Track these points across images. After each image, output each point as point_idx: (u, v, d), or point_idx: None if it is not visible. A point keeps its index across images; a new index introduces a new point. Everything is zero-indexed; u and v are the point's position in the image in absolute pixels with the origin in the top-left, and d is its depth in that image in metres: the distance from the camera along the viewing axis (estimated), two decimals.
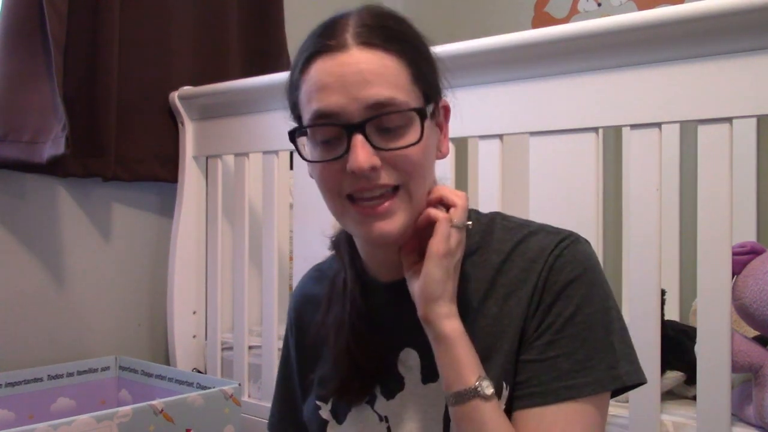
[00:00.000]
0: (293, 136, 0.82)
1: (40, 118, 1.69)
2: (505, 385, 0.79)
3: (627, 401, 1.21)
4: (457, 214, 0.81)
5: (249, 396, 1.84)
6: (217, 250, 1.95)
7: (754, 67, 1.09)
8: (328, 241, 0.96)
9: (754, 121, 1.78)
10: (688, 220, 1.90)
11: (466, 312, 0.82)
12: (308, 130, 0.80)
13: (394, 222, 0.79)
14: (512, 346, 0.80)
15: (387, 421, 0.87)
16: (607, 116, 1.25)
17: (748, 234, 1.75)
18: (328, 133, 0.79)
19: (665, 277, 1.55)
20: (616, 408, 1.25)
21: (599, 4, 2.28)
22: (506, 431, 0.76)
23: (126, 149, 1.92)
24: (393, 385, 0.87)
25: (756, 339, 1.24)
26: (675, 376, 1.30)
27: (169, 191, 2.05)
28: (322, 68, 0.78)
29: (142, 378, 1.77)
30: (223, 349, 1.94)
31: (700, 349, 1.13)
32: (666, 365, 1.25)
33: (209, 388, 1.54)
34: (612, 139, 2.09)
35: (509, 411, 0.79)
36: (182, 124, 2.01)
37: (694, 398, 1.22)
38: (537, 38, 1.31)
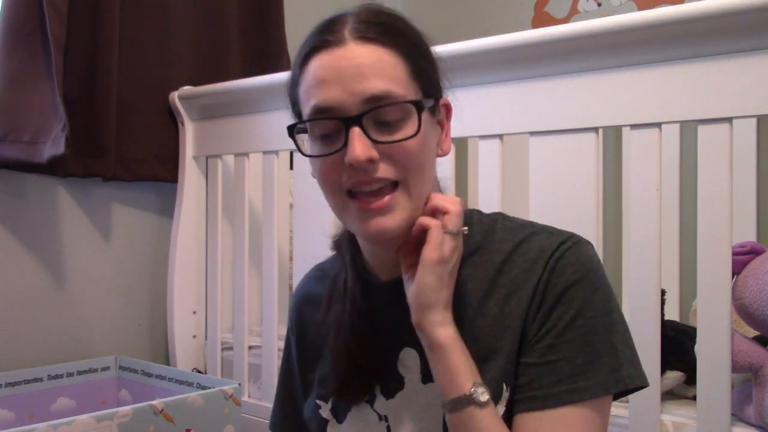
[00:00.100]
0: (292, 131, 0.82)
1: (40, 118, 1.69)
2: (505, 386, 0.79)
3: (627, 401, 1.21)
4: (451, 221, 0.80)
5: (249, 396, 1.84)
6: (217, 250, 1.95)
7: (754, 67, 1.09)
8: (329, 240, 0.96)
9: (754, 121, 1.78)
10: (688, 220, 1.90)
11: (466, 312, 0.82)
12: (308, 126, 0.80)
13: (393, 218, 0.79)
14: (513, 346, 0.80)
15: (387, 420, 0.87)
16: (607, 116, 1.25)
17: (748, 234, 1.75)
18: (327, 127, 0.79)
19: (665, 277, 1.55)
20: (616, 408, 1.24)
21: (599, 4, 2.28)
22: None
23: (126, 149, 1.92)
24: (393, 385, 0.87)
25: (756, 339, 1.24)
26: (675, 376, 1.30)
27: (169, 191, 2.05)
28: (320, 63, 0.78)
29: (142, 378, 1.77)
30: (223, 349, 1.94)
31: (700, 349, 1.13)
32: (666, 365, 1.25)
33: (209, 388, 1.54)
34: (612, 139, 2.09)
35: (510, 413, 0.79)
36: (182, 124, 2.01)
37: (694, 398, 1.22)
38: (537, 38, 1.31)
